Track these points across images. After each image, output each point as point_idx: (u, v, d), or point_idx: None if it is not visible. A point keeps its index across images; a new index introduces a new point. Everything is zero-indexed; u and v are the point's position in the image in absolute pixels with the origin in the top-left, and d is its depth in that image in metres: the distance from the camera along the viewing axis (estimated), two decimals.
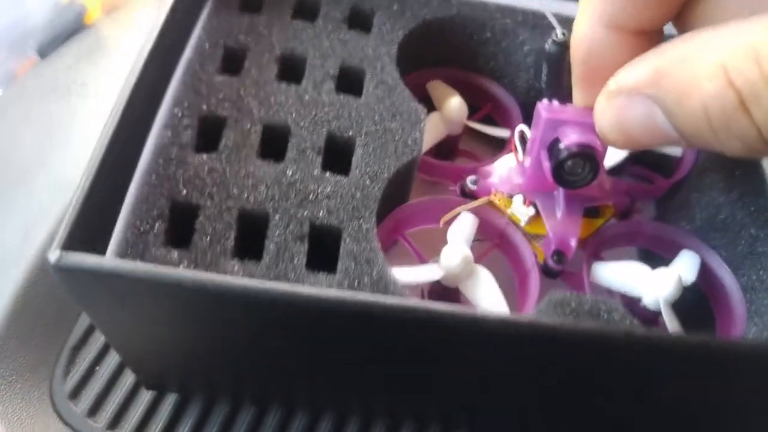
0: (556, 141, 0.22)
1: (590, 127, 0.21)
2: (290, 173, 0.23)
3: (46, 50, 0.41)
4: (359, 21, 0.29)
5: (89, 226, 0.19)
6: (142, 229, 0.21)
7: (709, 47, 0.15)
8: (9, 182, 0.33)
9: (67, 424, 0.26)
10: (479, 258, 0.25)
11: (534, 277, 0.25)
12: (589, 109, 0.20)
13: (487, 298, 0.24)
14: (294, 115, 0.25)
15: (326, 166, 0.24)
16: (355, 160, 0.24)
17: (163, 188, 0.22)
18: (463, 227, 0.25)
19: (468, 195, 0.27)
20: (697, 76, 0.15)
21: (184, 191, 0.22)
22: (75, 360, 0.28)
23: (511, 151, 0.27)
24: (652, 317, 0.25)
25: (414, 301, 0.20)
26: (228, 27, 0.27)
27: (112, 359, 0.28)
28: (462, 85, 0.31)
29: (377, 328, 0.20)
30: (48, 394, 0.27)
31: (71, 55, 0.40)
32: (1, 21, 0.43)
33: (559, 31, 0.22)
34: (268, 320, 0.20)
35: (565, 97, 0.22)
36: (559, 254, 0.24)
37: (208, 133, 0.24)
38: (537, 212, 0.25)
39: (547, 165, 0.23)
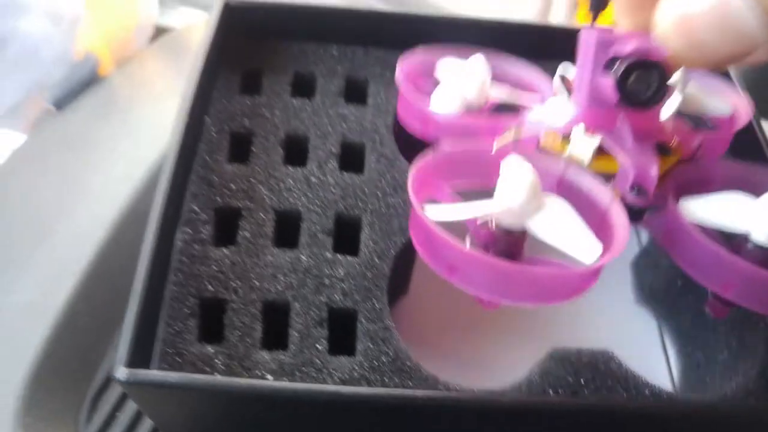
0: (613, 61, 0.20)
1: (648, 40, 0.19)
2: (305, 259, 0.25)
3: (62, 102, 0.43)
4: (355, 93, 0.31)
5: (141, 336, 0.21)
6: (177, 328, 0.23)
7: None
8: (30, 234, 0.35)
9: None
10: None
11: (616, 212, 0.21)
12: (641, 34, 0.19)
13: (570, 233, 0.20)
14: (303, 199, 0.27)
15: (337, 247, 0.26)
16: (363, 238, 0.26)
17: (191, 286, 0.24)
18: (517, 161, 0.21)
19: (513, 145, 0.23)
20: None
21: (210, 288, 0.24)
22: (96, 407, 0.30)
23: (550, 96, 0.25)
24: (762, 257, 0.21)
25: (430, 392, 0.22)
26: (232, 111, 0.29)
27: (131, 407, 0.30)
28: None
29: (399, 417, 0.22)
30: None
31: (86, 109, 0.42)
32: (19, 74, 0.44)
33: None
34: (299, 413, 0.22)
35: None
36: (640, 188, 0.21)
37: (225, 226, 0.26)
38: (600, 148, 0.22)
39: (608, 92, 0.20)
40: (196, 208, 0.26)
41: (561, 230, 0.20)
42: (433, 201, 0.22)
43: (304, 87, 0.30)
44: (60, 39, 0.46)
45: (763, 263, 0.20)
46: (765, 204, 0.20)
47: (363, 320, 0.24)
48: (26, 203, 0.37)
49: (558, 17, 0.86)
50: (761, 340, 0.25)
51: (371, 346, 0.24)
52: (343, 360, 0.23)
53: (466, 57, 0.27)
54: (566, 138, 0.22)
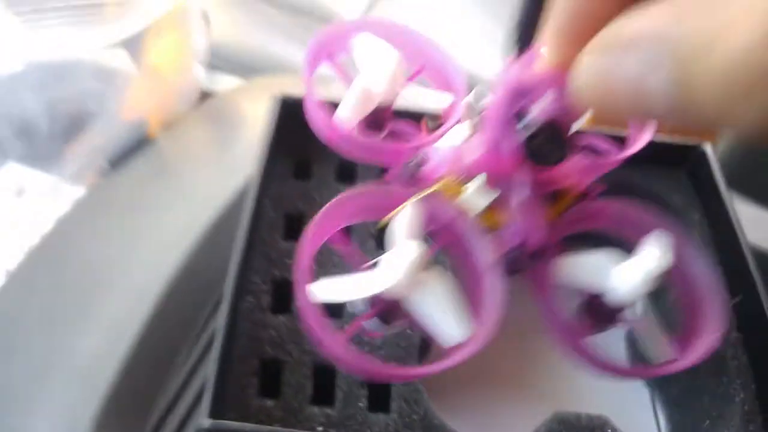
0: (523, 112, 0.20)
1: (561, 99, 0.19)
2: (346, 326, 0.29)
3: (114, 161, 0.47)
4: None
5: (218, 391, 0.26)
6: (242, 383, 0.27)
7: None
8: (90, 286, 0.39)
9: None
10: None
11: (493, 280, 0.21)
12: (562, 72, 0.18)
13: (446, 313, 0.20)
14: None
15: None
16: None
17: (253, 349, 0.28)
18: (409, 218, 0.21)
19: (410, 181, 0.23)
20: (728, 25, 0.13)
21: (270, 350, 0.28)
22: None
23: (456, 124, 0.24)
24: (618, 309, 0.23)
25: None
26: (287, 194, 0.33)
27: None
28: (389, 38, 0.26)
29: None
30: None
31: (138, 169, 0.47)
32: (77, 138, 0.49)
33: None
34: None
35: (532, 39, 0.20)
36: (523, 247, 0.22)
37: (282, 296, 0.30)
38: (493, 203, 0.23)
39: (512, 141, 0.20)
40: (257, 280, 0.30)
41: (435, 310, 0.20)
42: (325, 246, 0.22)
43: (346, 174, 0.35)
44: (110, 98, 0.51)
45: (609, 320, 0.23)
46: (629, 269, 0.22)
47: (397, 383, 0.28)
48: (86, 257, 0.41)
49: None
50: (737, 412, 0.29)
51: (404, 405, 0.28)
52: (380, 416, 0.28)
53: (387, 32, 0.26)
54: (464, 180, 0.22)
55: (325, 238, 0.22)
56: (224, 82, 0.56)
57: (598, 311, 0.23)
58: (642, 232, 0.23)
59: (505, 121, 0.20)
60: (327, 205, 0.22)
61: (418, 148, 0.24)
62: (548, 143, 0.20)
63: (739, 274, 0.31)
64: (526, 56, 0.19)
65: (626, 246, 0.23)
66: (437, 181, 0.22)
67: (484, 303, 0.21)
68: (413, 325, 0.21)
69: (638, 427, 0.33)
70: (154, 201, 0.44)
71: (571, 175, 0.22)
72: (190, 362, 0.36)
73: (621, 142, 0.26)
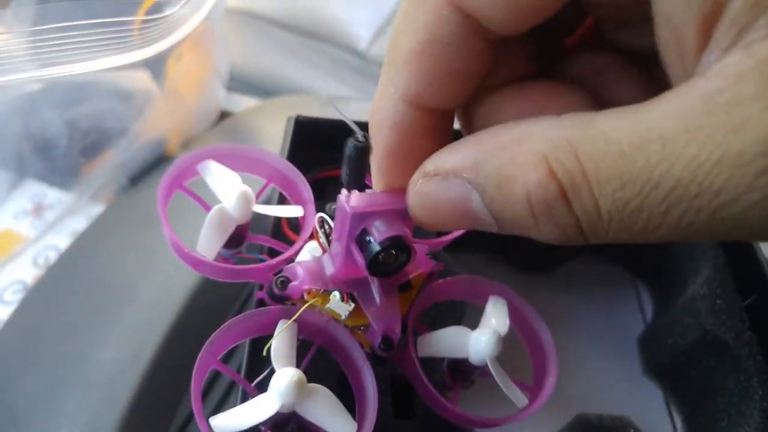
0: (365, 233, 0.22)
1: (398, 214, 0.22)
2: None
3: (134, 178, 0.48)
4: None
5: None
6: None
7: (530, 137, 0.16)
8: (112, 299, 0.40)
9: None
10: (304, 360, 0.25)
11: (368, 374, 0.25)
12: (394, 192, 0.21)
13: (331, 417, 0.24)
14: None
15: None
16: None
17: None
18: (284, 344, 0.24)
19: (277, 298, 0.26)
20: (520, 164, 0.16)
21: None
22: None
23: (308, 238, 0.27)
24: (475, 368, 0.27)
25: None
26: None
27: None
28: (235, 160, 0.29)
29: None
30: None
31: (157, 186, 0.47)
32: (95, 156, 0.50)
33: (359, 135, 0.21)
34: None
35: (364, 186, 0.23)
36: (387, 341, 0.25)
37: None
38: (356, 303, 0.25)
39: (359, 259, 0.23)
40: None
41: (323, 415, 0.23)
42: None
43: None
44: (129, 118, 0.52)
45: (470, 373, 0.27)
46: (479, 339, 0.26)
47: None
48: (107, 270, 0.42)
49: None
50: (756, 408, 0.29)
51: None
52: (406, 422, 0.28)
53: (231, 155, 0.28)
54: (327, 293, 0.25)
55: (213, 365, 0.24)
56: (242, 103, 0.57)
57: (463, 370, 0.27)
58: (481, 297, 0.28)
59: (351, 235, 0.23)
60: (214, 333, 0.24)
61: (277, 265, 0.26)
62: (389, 258, 0.22)
63: (752, 274, 0.32)
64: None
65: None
66: (305, 293, 0.25)
67: (365, 393, 0.25)
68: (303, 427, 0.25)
69: (656, 428, 0.33)
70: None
71: (415, 266, 0.26)
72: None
73: None
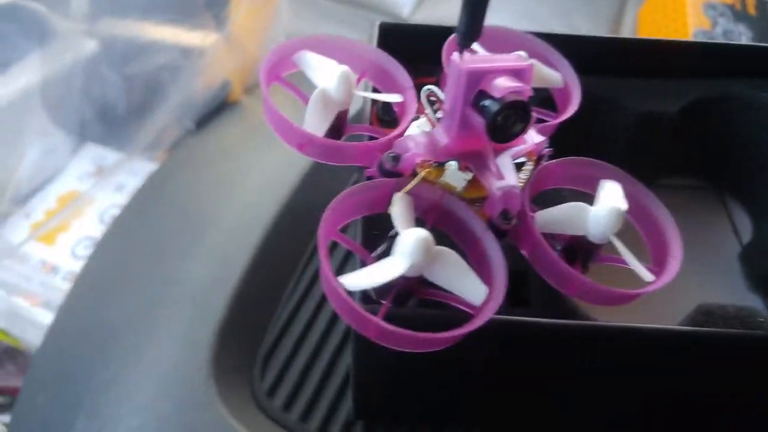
0: (482, 96, 0.21)
1: (515, 73, 0.21)
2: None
3: (201, 123, 0.48)
4: None
5: None
6: None
7: None
8: (197, 223, 0.40)
9: (268, 416, 0.31)
10: None
11: (490, 241, 0.23)
12: (510, 55, 0.20)
13: (461, 280, 0.22)
14: None
15: None
16: None
17: None
18: (405, 208, 0.23)
19: (390, 173, 0.24)
20: None
21: None
22: (268, 365, 0.33)
23: (415, 116, 0.26)
24: (596, 249, 0.25)
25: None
26: None
27: (296, 367, 0.33)
28: (328, 51, 0.27)
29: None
30: (249, 391, 0.32)
31: (226, 126, 0.47)
32: (152, 113, 0.50)
33: None
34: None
35: (480, 34, 0.21)
36: (507, 213, 0.23)
37: None
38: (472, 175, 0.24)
39: (477, 123, 0.22)
40: None
41: (453, 278, 0.22)
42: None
43: None
44: (186, 73, 0.51)
45: (593, 252, 0.25)
46: (598, 215, 0.24)
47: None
48: (188, 200, 0.41)
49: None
50: None
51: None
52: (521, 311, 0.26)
53: (325, 46, 0.27)
54: (440, 166, 0.24)
55: (332, 236, 0.23)
56: None
57: (581, 251, 0.25)
58: (592, 183, 0.26)
59: (466, 100, 0.21)
60: (330, 204, 0.23)
61: (385, 144, 0.25)
62: (507, 121, 0.21)
63: None
64: (470, 51, 0.22)
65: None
66: (417, 167, 0.24)
67: (489, 262, 0.23)
68: (425, 301, 0.24)
69: None
70: (249, 149, 0.44)
71: (528, 144, 0.24)
72: (296, 296, 0.36)
73: (553, 109, 0.29)
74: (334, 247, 0.35)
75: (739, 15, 0.83)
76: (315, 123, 0.25)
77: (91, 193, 0.52)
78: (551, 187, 0.27)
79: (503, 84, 0.21)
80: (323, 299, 0.35)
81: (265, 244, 0.36)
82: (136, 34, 0.53)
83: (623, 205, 0.25)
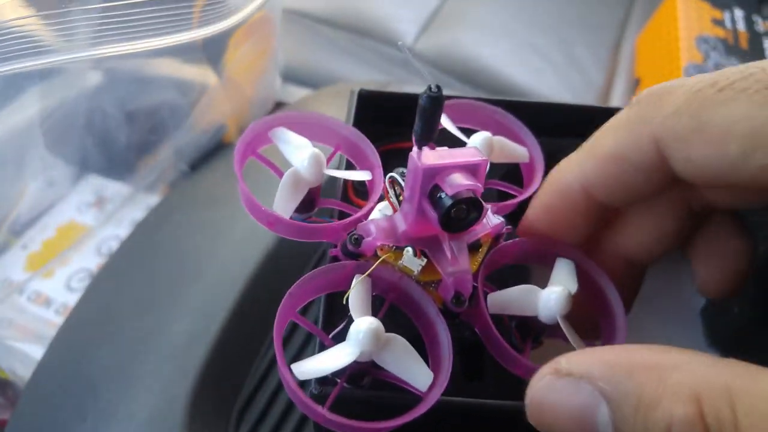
0: (437, 189, 0.23)
1: (469, 169, 0.22)
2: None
3: (194, 166, 0.49)
4: None
5: None
6: None
7: (683, 369, 0.15)
8: (181, 275, 0.41)
9: None
10: (378, 315, 0.25)
11: (441, 326, 0.25)
12: (467, 150, 0.23)
13: (408, 366, 0.24)
14: None
15: None
16: None
17: None
18: (361, 295, 0.25)
19: (352, 255, 0.26)
20: (668, 393, 0.15)
21: None
22: (243, 419, 0.34)
23: (379, 198, 0.27)
24: (545, 328, 0.27)
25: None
26: None
27: (270, 421, 0.34)
28: (304, 127, 0.29)
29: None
30: None
31: (217, 171, 0.48)
32: (153, 148, 0.51)
33: (433, 85, 0.22)
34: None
35: (434, 138, 0.23)
36: (459, 296, 0.25)
37: None
38: (428, 259, 0.25)
39: (432, 214, 0.23)
40: None
41: (400, 364, 0.24)
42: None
43: None
44: (187, 110, 0.53)
45: (542, 331, 0.27)
46: (548, 297, 0.26)
47: None
48: (174, 249, 0.42)
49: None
50: None
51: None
52: (475, 384, 0.28)
53: (301, 122, 0.29)
54: (399, 249, 0.25)
55: (291, 317, 0.25)
56: (297, 94, 0.58)
57: (533, 328, 0.27)
58: (548, 259, 0.28)
59: (422, 192, 0.23)
60: (290, 289, 0.24)
61: (350, 224, 0.27)
62: (460, 213, 0.23)
63: None
64: (430, 146, 0.23)
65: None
66: (378, 250, 0.26)
67: (439, 346, 0.25)
68: (379, 380, 0.25)
69: None
70: (236, 197, 0.45)
71: (484, 228, 0.26)
72: (273, 350, 0.37)
73: (517, 182, 0.30)
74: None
75: (732, 49, 0.84)
76: (285, 203, 0.27)
77: (89, 224, 0.53)
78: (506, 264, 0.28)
79: (456, 181, 0.22)
80: (299, 352, 0.36)
81: (245, 296, 0.37)
82: (139, 69, 0.55)
83: (573, 287, 0.26)
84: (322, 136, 0.30)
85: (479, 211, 0.23)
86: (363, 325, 0.23)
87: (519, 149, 0.30)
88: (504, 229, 0.27)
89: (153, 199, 0.54)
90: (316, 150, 0.27)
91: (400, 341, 0.24)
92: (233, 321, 0.37)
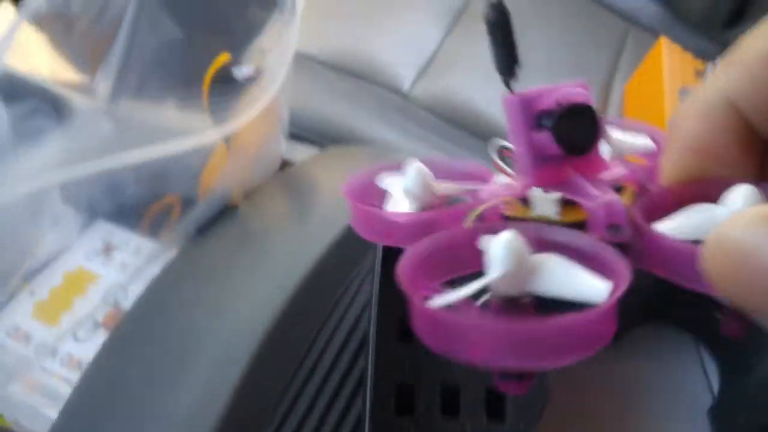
0: (542, 114, 0.20)
1: (567, 92, 0.20)
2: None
3: (200, 229, 0.51)
4: None
5: None
6: None
7: None
8: (184, 350, 0.42)
9: None
10: None
11: (603, 249, 0.19)
12: (555, 86, 0.20)
13: (574, 280, 0.18)
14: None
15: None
16: None
17: None
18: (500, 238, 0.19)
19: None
20: None
21: None
22: None
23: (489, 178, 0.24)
24: None
25: None
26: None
27: None
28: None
29: None
30: None
31: (222, 238, 0.50)
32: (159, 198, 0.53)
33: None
34: None
35: (518, 62, 0.21)
36: (614, 225, 0.20)
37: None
38: (563, 201, 0.22)
39: (548, 144, 0.20)
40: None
41: (563, 282, 0.18)
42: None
43: None
44: (194, 165, 0.55)
45: None
46: (724, 210, 0.19)
47: None
48: (179, 322, 0.44)
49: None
50: None
51: None
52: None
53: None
54: (526, 203, 0.22)
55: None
56: (299, 150, 0.60)
57: None
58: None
59: (528, 128, 0.20)
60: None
61: (468, 207, 0.23)
62: (575, 129, 0.20)
63: None
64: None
65: None
66: (505, 211, 0.22)
67: (609, 266, 0.19)
68: None
69: None
70: (239, 269, 0.47)
71: (615, 166, 0.22)
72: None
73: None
74: None
75: None
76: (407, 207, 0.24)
77: (97, 271, 0.55)
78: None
79: (557, 97, 0.20)
80: None
81: (248, 373, 0.39)
82: (151, 120, 0.57)
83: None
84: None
85: (595, 123, 0.20)
86: (500, 241, 0.18)
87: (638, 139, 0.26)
88: (649, 183, 0.23)
89: (159, 247, 0.56)
90: (419, 164, 0.24)
91: (553, 258, 0.19)
92: (236, 401, 0.38)
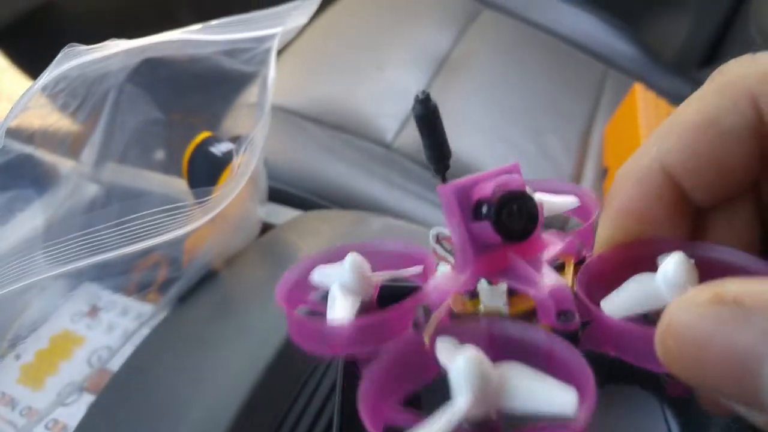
0: (480, 204, 0.20)
1: (502, 180, 0.20)
2: None
3: (181, 297, 0.52)
4: None
5: None
6: None
7: None
8: (163, 420, 0.42)
9: None
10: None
11: (560, 344, 0.19)
12: (489, 173, 0.20)
13: (542, 390, 0.18)
14: None
15: None
16: None
17: None
18: (446, 344, 0.20)
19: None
20: None
21: None
22: None
23: (431, 270, 0.23)
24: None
25: None
26: None
27: None
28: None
29: None
30: None
31: (202, 306, 0.51)
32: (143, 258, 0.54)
33: (418, 92, 0.20)
34: None
35: (449, 153, 0.21)
36: (564, 313, 0.20)
37: None
38: (510, 291, 0.22)
39: (488, 234, 0.20)
40: None
41: (530, 397, 0.18)
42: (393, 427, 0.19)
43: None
44: (175, 228, 0.56)
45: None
46: (662, 279, 0.20)
47: None
48: (160, 391, 0.45)
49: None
50: None
51: None
52: None
53: (340, 258, 0.24)
54: (473, 297, 0.22)
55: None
56: (282, 214, 0.61)
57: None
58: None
59: (465, 217, 0.20)
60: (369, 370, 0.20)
61: (416, 303, 0.22)
62: (514, 215, 0.20)
63: None
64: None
65: None
66: (451, 305, 0.22)
67: (568, 366, 0.19)
68: None
69: None
70: (218, 338, 0.48)
71: (554, 246, 0.22)
72: None
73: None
74: None
75: None
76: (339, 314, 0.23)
77: (82, 333, 0.56)
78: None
79: (494, 186, 0.20)
80: None
81: None
82: (134, 184, 0.58)
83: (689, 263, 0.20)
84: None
85: (533, 208, 0.20)
86: (461, 361, 0.17)
87: (564, 198, 0.26)
88: (586, 253, 0.23)
89: (143, 308, 0.57)
90: (356, 256, 0.24)
91: (516, 366, 0.18)
92: None
